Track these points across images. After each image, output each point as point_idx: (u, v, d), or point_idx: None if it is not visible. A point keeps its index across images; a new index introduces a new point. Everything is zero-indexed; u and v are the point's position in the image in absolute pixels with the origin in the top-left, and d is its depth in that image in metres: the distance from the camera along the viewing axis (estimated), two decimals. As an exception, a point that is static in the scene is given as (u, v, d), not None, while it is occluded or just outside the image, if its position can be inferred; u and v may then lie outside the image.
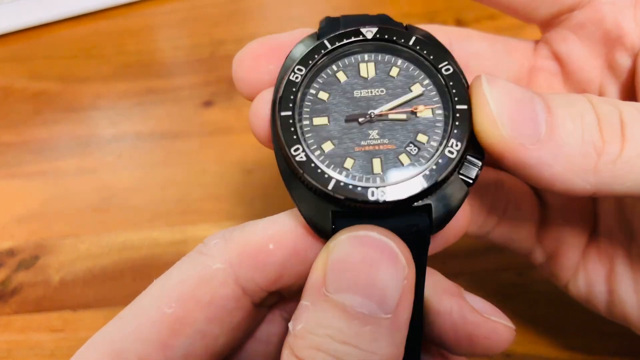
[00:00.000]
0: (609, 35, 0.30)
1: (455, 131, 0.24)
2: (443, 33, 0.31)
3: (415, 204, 0.24)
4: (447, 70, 0.25)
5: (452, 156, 0.24)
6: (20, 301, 0.44)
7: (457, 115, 0.24)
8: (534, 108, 0.23)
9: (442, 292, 0.27)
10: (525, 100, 0.23)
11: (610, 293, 0.32)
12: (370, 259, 0.21)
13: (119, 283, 0.45)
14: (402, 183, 0.23)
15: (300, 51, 0.27)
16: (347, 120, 0.25)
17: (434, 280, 0.28)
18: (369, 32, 0.26)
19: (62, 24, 0.64)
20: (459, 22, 0.60)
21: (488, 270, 0.43)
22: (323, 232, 0.24)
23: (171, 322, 0.24)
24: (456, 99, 0.25)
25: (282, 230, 0.25)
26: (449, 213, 0.24)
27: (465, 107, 0.24)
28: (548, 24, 0.32)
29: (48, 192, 0.51)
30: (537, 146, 0.22)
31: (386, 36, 0.26)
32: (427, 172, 0.24)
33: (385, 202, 0.23)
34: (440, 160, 0.24)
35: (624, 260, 0.32)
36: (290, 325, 0.22)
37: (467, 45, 0.32)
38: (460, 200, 0.24)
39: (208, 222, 0.48)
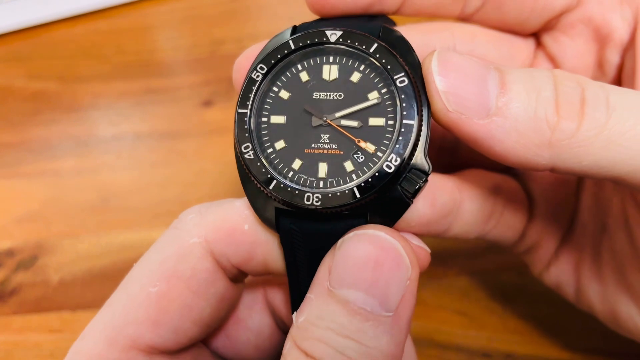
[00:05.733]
0: (599, 33, 0.30)
1: (397, 146, 0.24)
2: (447, 32, 0.32)
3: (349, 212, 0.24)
4: (402, 82, 0.24)
5: (390, 171, 0.23)
6: (19, 301, 0.44)
7: (403, 130, 0.24)
8: (485, 83, 0.23)
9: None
10: (475, 75, 0.23)
11: (578, 283, 0.33)
12: (375, 258, 0.22)
13: (118, 283, 0.44)
14: (337, 192, 0.23)
15: (270, 45, 0.27)
16: (302, 122, 0.25)
17: None
18: (333, 35, 0.26)
19: (62, 23, 0.64)
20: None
21: (488, 270, 0.43)
22: (270, 225, 0.25)
23: (158, 300, 0.25)
24: (404, 113, 0.24)
25: None
26: (385, 223, 0.24)
27: (412, 122, 0.24)
28: (540, 30, 0.32)
29: (47, 192, 0.51)
30: (486, 121, 0.22)
31: (349, 41, 0.25)
32: (362, 184, 0.23)
33: (317, 208, 0.24)
34: (377, 174, 0.23)
35: (592, 253, 0.33)
36: (294, 317, 0.23)
37: (472, 47, 0.32)
38: (399, 213, 0.24)
39: (207, 222, 0.48)
